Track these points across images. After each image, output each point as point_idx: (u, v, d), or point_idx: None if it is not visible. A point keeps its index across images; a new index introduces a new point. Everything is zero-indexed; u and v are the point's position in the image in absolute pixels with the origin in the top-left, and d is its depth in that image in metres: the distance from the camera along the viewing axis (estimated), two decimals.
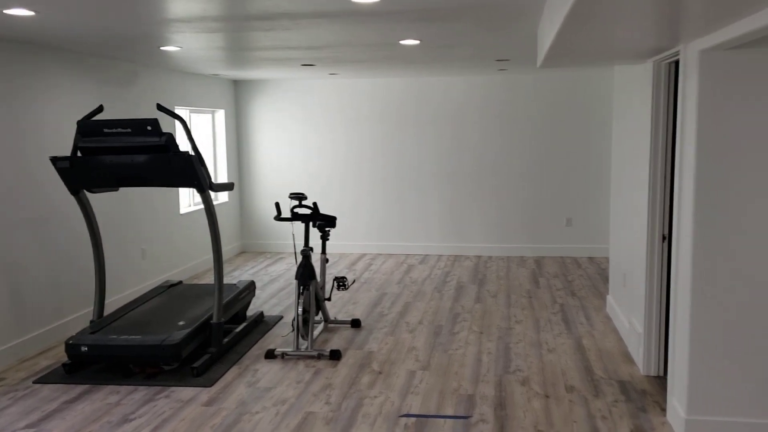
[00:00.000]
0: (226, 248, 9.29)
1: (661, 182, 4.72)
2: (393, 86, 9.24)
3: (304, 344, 5.37)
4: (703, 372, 3.76)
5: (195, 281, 7.97)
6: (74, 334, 5.45)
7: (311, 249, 5.42)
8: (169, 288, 6.23)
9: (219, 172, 9.35)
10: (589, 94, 8.88)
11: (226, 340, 5.42)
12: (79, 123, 4.80)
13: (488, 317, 6.30)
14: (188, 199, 8.65)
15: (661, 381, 4.70)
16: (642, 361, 4.88)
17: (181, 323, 5.19)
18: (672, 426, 3.99)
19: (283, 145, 9.57)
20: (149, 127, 4.74)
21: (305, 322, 5.28)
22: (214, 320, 5.23)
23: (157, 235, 7.49)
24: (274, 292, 7.36)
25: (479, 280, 7.84)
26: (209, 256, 8.74)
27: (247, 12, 4.12)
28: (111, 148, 4.81)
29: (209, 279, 8.09)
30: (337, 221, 5.89)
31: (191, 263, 8.30)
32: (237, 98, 9.61)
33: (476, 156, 9.19)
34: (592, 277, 7.91)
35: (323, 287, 5.92)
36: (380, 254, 9.46)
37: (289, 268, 8.59)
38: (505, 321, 6.17)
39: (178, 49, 5.81)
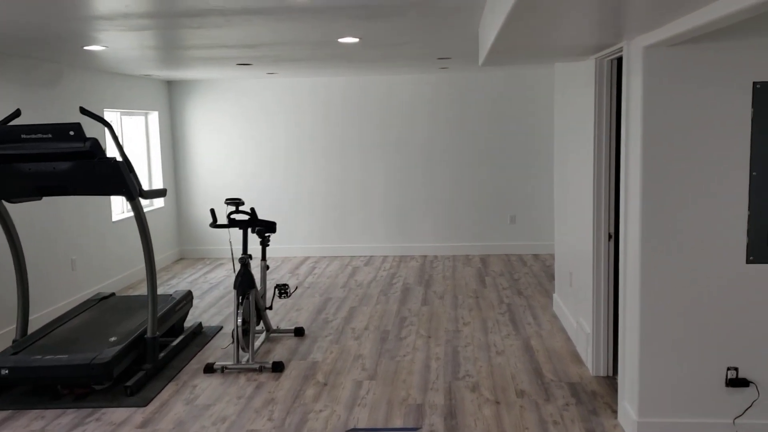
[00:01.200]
0: (164, 255, 8.94)
1: (605, 180, 4.66)
2: (335, 85, 9.04)
3: (245, 357, 5.13)
4: (654, 373, 3.71)
5: (130, 292, 7.62)
6: None
7: (250, 256, 5.19)
8: (100, 301, 5.90)
9: (153, 177, 8.98)
10: (532, 92, 8.87)
11: (162, 354, 5.15)
12: None
13: (436, 320, 6.17)
14: (121, 205, 8.27)
15: (611, 381, 4.65)
16: (591, 362, 4.82)
17: (112, 339, 4.89)
18: (624, 429, 3.93)
19: (221, 148, 9.27)
20: (72, 132, 4.44)
21: (245, 333, 5.05)
22: (149, 334, 4.95)
23: (89, 244, 7.12)
24: (213, 300, 7.08)
25: (426, 280, 7.72)
26: (142, 265, 8.36)
27: (175, 9, 3.87)
28: (30, 155, 4.48)
29: (145, 289, 7.74)
30: (277, 226, 5.65)
31: (126, 273, 7.94)
32: (171, 99, 9.25)
33: (421, 154, 9.08)
34: (538, 274, 7.88)
35: (264, 295, 5.69)
36: (324, 257, 9.25)
37: (229, 274, 8.30)
38: (453, 323, 6.06)
39: (104, 48, 5.49)
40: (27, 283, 5.07)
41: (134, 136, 8.77)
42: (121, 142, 4.60)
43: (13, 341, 4.94)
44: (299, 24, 4.48)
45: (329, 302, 6.89)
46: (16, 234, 4.96)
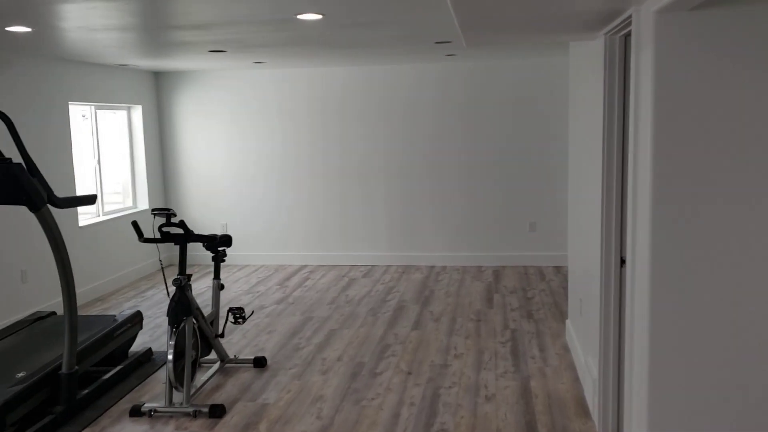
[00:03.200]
0: (148, 262, 8.19)
1: (617, 185, 3.67)
2: (334, 76, 8.16)
3: (180, 397, 4.30)
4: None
5: (98, 305, 6.88)
6: None
7: (187, 277, 4.34)
8: (34, 322, 5.14)
9: (137, 176, 8.24)
10: (553, 83, 7.83)
11: (86, 391, 4.35)
12: None
13: (423, 350, 5.24)
14: (96, 207, 7.55)
15: None
16: (598, 416, 3.84)
17: (20, 375, 4.11)
18: None
19: (212, 145, 8.48)
20: None
21: (178, 369, 4.21)
22: (63, 370, 4.15)
23: (45, 253, 6.39)
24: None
25: (425, 297, 6.78)
26: (120, 273, 7.64)
27: None
28: None
29: (113, 304, 6.99)
30: (232, 240, 4.80)
31: (95, 283, 7.20)
32: (159, 92, 8.50)
33: (429, 154, 8.13)
34: (556, 292, 6.87)
35: (213, 321, 4.84)
36: (322, 266, 8.38)
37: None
38: (442, 355, 5.12)
39: (27, 30, 4.71)
40: None
41: (114, 133, 8.04)
42: (21, 140, 3.80)
43: None
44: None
45: (308, 323, 6.02)
46: None
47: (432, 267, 8.16)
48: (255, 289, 7.27)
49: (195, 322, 4.51)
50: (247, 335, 5.73)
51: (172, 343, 4.19)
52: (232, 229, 8.54)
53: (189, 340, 4.29)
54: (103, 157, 7.66)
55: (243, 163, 8.44)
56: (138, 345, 5.46)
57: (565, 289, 6.94)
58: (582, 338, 4.62)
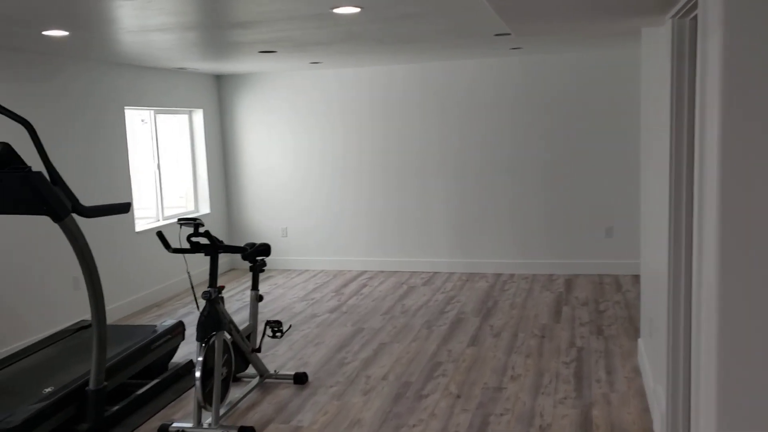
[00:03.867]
0: (206, 267, 8.10)
1: (687, 190, 3.16)
2: (392, 75, 7.82)
3: (208, 417, 4.06)
4: None
5: (154, 312, 6.80)
6: None
7: (218, 290, 4.10)
8: (77, 331, 5.05)
9: (199, 179, 8.17)
10: (627, 78, 7.21)
11: (115, 408, 4.18)
12: None
13: (477, 369, 4.83)
14: (155, 211, 7.51)
15: None
16: None
17: (47, 390, 3.98)
18: None
19: (273, 148, 8.31)
20: None
21: (206, 387, 3.98)
22: (91, 386, 3.99)
23: (102, 259, 6.35)
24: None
25: (487, 309, 6.34)
26: (177, 279, 7.57)
27: None
28: None
29: (169, 310, 6.90)
30: (271, 249, 4.55)
31: (149, 290, 7.14)
32: (220, 95, 8.41)
33: (495, 154, 7.66)
34: (631, 304, 6.28)
35: (250, 335, 4.59)
36: (382, 272, 8.06)
37: (272, 290, 7.31)
38: (497, 377, 4.69)
39: (65, 33, 4.60)
40: None
41: (173, 137, 8.00)
42: (44, 148, 3.65)
43: None
44: None
45: (358, 335, 5.70)
46: None
47: (498, 275, 7.69)
48: (311, 296, 7.03)
49: (229, 336, 4.28)
50: (294, 347, 5.47)
51: (200, 359, 3.96)
52: (293, 234, 8.34)
53: (219, 357, 4.05)
54: (165, 162, 7.61)
55: (303, 167, 8.22)
56: (180, 356, 5.30)
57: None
58: (652, 362, 4.09)
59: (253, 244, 4.48)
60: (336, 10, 4.09)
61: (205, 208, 8.21)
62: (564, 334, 5.51)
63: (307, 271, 8.28)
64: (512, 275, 7.64)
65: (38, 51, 5.44)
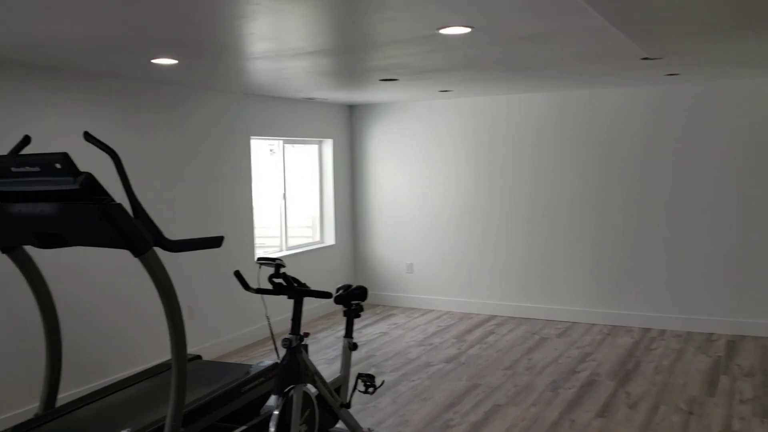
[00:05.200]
0: (326, 301, 7.85)
1: None
2: (527, 104, 7.18)
3: None
4: None
5: (267, 346, 6.61)
6: None
7: (300, 337, 3.72)
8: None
9: (325, 210, 7.98)
10: None
11: None
12: None
13: None
14: (280, 240, 7.37)
15: None
16: None
17: None
18: None
19: (401, 180, 7.95)
20: (58, 165, 3.43)
21: None
22: (167, 430, 3.74)
23: (213, 290, 6.25)
24: (338, 369, 5.72)
25: (625, 372, 5.49)
26: (287, 314, 7.34)
27: None
28: (19, 192, 3.58)
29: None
30: (367, 293, 4.13)
31: (264, 322, 6.96)
32: (352, 126, 8.20)
33: (647, 191, 6.77)
34: None
35: (340, 388, 4.17)
36: (513, 318, 7.37)
37: (389, 330, 6.89)
38: None
39: (174, 62, 4.50)
40: (58, 347, 4.21)
41: (304, 167, 7.87)
42: (128, 178, 3.49)
43: (35, 415, 4.09)
44: (385, 13, 2.96)
45: (472, 392, 5.11)
46: (44, 286, 4.13)
47: (647, 330, 6.74)
48: (429, 341, 6.51)
49: (314, 390, 3.88)
50: (398, 400, 4.98)
51: (276, 413, 3.59)
52: (419, 270, 7.89)
53: (297, 413, 3.65)
54: (292, 191, 7.49)
55: (431, 200, 7.78)
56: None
57: None
58: None
59: (348, 287, 4.08)
60: (443, 31, 3.63)
61: (330, 240, 7.98)
62: (718, 412, 4.58)
63: (431, 311, 7.78)
64: (663, 331, 6.67)
65: (165, 81, 5.45)
